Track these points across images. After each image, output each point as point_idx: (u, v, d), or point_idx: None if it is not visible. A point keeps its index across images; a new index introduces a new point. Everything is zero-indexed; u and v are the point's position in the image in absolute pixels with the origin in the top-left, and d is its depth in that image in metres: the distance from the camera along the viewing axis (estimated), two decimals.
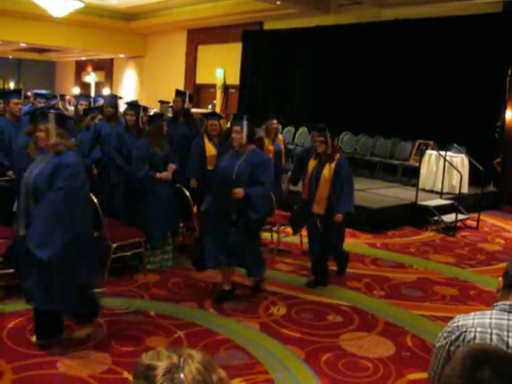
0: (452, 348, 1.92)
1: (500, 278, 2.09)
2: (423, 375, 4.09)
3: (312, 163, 5.93)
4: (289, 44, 14.99)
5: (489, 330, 1.90)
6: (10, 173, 5.92)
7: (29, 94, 11.25)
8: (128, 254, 5.97)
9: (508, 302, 1.98)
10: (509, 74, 10.87)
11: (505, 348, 1.84)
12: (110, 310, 4.91)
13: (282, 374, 4.07)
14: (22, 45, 21.37)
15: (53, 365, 3.97)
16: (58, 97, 9.53)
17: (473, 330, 1.91)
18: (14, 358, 4.01)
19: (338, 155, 5.86)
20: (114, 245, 5.56)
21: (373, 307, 5.49)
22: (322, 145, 5.79)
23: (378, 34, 12.86)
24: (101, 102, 9.13)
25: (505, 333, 1.90)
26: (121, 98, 8.26)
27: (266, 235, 7.36)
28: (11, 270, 5.14)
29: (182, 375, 1.12)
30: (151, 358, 1.17)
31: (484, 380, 1.31)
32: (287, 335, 4.72)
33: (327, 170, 5.75)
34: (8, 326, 4.53)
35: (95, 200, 5.52)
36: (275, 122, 7.58)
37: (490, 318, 1.93)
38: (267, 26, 16.18)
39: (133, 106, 6.94)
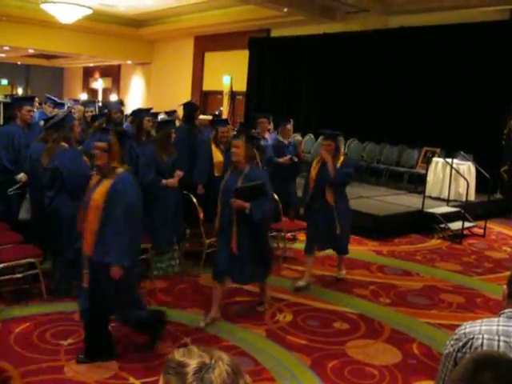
0: (459, 355, 1.92)
1: (504, 286, 2.09)
2: (429, 383, 4.09)
3: (93, 181, 4.20)
4: (295, 51, 15.02)
5: (496, 337, 1.89)
6: (21, 175, 5.91)
7: (36, 99, 11.31)
8: None
9: None
10: None
11: None
12: None
13: (288, 380, 4.08)
14: (31, 51, 21.52)
15: (60, 370, 4.00)
16: (80, 102, 9.50)
17: (480, 336, 1.91)
18: (22, 363, 4.04)
19: (120, 170, 4.05)
20: None
21: (379, 315, 5.48)
22: (102, 155, 4.03)
23: (384, 41, 12.90)
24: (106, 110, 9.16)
25: None
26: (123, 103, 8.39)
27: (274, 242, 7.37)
28: (19, 275, 5.19)
29: (212, 376, 1.13)
30: (183, 355, 1.18)
31: (484, 382, 1.32)
32: (293, 342, 4.72)
33: (100, 192, 3.99)
34: (15, 331, 4.56)
35: None
36: (330, 143, 5.97)
37: (498, 325, 1.93)
38: (274, 34, 16.24)
39: (153, 113, 7.16)
